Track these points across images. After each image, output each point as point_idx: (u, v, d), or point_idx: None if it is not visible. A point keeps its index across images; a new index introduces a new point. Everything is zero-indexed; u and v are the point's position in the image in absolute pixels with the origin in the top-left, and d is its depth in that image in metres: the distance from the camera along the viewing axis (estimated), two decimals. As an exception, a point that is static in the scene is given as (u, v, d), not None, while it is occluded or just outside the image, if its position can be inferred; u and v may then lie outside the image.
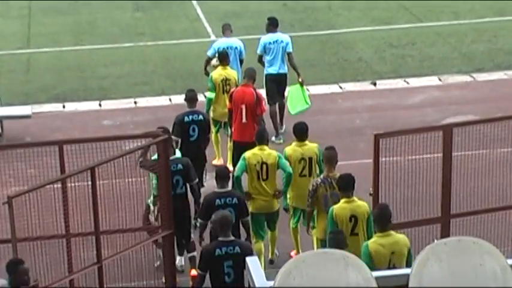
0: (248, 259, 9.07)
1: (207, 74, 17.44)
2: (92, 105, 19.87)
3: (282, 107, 18.01)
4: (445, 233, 12.64)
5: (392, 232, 11.23)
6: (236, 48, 17.93)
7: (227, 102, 16.12)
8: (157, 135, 13.11)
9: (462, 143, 13.57)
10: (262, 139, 13.67)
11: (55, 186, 12.20)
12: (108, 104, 19.87)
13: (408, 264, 10.80)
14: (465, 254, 8.28)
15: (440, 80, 20.62)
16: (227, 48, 17.70)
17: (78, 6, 26.35)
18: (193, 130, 15.26)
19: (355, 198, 12.22)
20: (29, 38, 23.76)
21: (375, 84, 20.43)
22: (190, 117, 15.20)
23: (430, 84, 20.37)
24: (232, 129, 15.97)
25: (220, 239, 11.34)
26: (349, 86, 20.35)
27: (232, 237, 11.40)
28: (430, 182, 13.45)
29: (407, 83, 20.57)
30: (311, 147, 13.77)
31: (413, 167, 13.33)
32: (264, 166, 13.49)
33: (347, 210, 12.07)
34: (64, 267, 12.00)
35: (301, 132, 13.78)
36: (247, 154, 13.63)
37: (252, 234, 13.38)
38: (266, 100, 17.35)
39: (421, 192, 13.59)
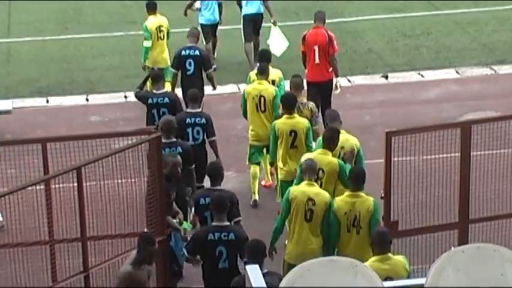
0: (248, 267, 9.04)
1: (185, 14, 21.36)
2: (78, 99, 19.94)
3: (257, 45, 20.70)
4: (463, 240, 12.66)
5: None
6: None
7: (163, 52, 18.91)
8: (150, 132, 13.14)
9: (482, 142, 13.60)
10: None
11: (38, 188, 12.21)
12: (96, 99, 19.94)
13: None
14: (485, 263, 8.28)
15: (458, 72, 20.67)
16: None
17: (63, -9, 26.45)
18: (190, 64, 17.26)
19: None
20: (9, 26, 23.79)
21: (386, 77, 20.49)
22: (188, 51, 17.35)
23: (447, 78, 20.43)
24: (306, 71, 17.56)
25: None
26: (359, 79, 20.40)
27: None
28: (447, 184, 13.47)
29: (422, 76, 20.63)
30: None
31: (429, 167, 13.35)
32: (262, 99, 15.56)
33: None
34: (47, 276, 12.03)
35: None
36: (248, 88, 15.75)
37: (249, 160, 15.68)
38: (243, 38, 20.96)
39: (436, 196, 13.61)
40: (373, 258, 11.12)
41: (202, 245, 11.98)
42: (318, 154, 13.25)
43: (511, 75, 20.43)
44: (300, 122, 14.59)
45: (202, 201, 12.93)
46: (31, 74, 21.15)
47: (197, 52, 17.43)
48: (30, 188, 12.03)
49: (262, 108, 15.59)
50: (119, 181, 12.93)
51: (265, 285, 8.23)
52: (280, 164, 14.65)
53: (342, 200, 12.44)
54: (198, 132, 15.17)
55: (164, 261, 12.77)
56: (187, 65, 17.36)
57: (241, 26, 21.05)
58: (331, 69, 17.50)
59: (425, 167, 13.32)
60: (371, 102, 19.21)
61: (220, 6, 21.24)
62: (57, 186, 12.38)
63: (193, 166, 14.36)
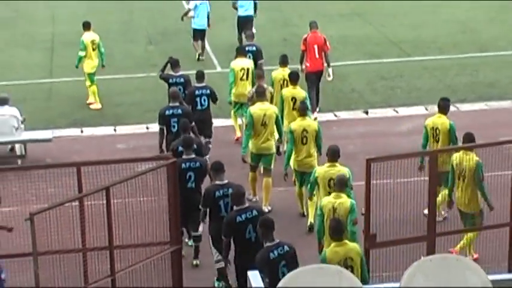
0: (250, 273, 9.00)
1: (182, 19, 24.37)
2: (107, 130, 19.90)
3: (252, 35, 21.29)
4: (431, 251, 12.59)
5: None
6: (206, 4, 24.04)
7: (94, 60, 20.84)
8: (167, 158, 13.11)
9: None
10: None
11: (73, 204, 12.18)
12: (122, 129, 19.89)
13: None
14: (449, 270, 8.25)
15: (426, 109, 20.60)
16: (201, 4, 23.95)
17: (96, 39, 26.46)
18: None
19: None
20: (51, 69, 23.80)
21: (366, 112, 20.45)
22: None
23: (418, 113, 20.35)
24: (307, 64, 19.67)
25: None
26: (343, 115, 20.36)
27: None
28: (417, 203, 13.42)
29: (397, 112, 20.59)
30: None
31: (402, 189, 13.29)
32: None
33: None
34: (80, 279, 11.98)
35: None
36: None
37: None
38: (237, 31, 24.17)
39: (408, 213, 13.57)
40: (333, 244, 11.16)
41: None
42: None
43: (470, 112, 20.42)
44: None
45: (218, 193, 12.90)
46: (68, 108, 21.14)
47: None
48: (67, 204, 12.01)
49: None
50: (141, 199, 12.90)
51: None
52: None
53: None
54: (204, 100, 16.97)
55: (178, 270, 12.74)
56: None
57: (235, 23, 24.47)
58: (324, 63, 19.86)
59: (400, 188, 13.27)
60: (354, 134, 19.17)
61: (208, 15, 23.98)
62: (89, 203, 12.33)
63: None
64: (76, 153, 18.07)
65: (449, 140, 14.80)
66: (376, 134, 18.98)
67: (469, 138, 13.78)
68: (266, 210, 15.08)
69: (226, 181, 12.98)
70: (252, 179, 15.85)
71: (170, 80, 17.57)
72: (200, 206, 13.14)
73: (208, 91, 17.03)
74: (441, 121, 14.89)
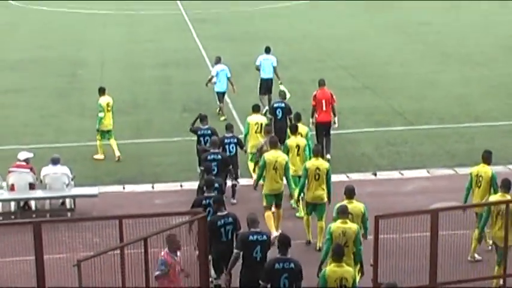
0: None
1: (206, 85, 25.17)
2: (146, 187, 19.88)
3: (270, 99, 24.34)
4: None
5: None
6: (225, 70, 24.77)
7: (108, 119, 21.31)
8: (198, 213, 13.09)
9: (446, 224, 13.47)
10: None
11: (115, 252, 12.15)
12: (159, 187, 19.88)
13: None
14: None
15: (428, 172, 20.54)
16: (221, 71, 24.70)
17: (138, 108, 26.65)
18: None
19: None
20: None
21: (375, 174, 20.37)
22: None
23: (421, 176, 20.28)
24: (316, 116, 20.62)
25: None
26: (354, 176, 20.26)
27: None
28: (420, 255, 13.30)
29: (402, 174, 20.50)
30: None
31: (407, 243, 13.22)
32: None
33: None
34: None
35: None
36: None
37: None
38: (258, 92, 25.02)
39: (412, 263, 13.44)
40: (333, 264, 11.84)
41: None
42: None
43: (467, 175, 20.21)
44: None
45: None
46: (112, 167, 21.18)
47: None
48: (110, 252, 11.98)
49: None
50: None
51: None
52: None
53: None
54: (232, 147, 17.97)
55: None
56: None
57: (258, 85, 25.14)
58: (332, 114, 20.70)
59: (405, 242, 13.19)
60: (363, 193, 18.90)
61: (229, 80, 24.71)
62: (129, 251, 12.31)
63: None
64: (118, 207, 18.05)
65: (489, 187, 15.06)
66: (383, 193, 18.87)
67: (507, 182, 14.15)
68: (277, 234, 15.40)
69: (225, 212, 13.60)
70: (268, 217, 16.21)
71: (199, 132, 18.56)
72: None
73: (235, 140, 18.16)
74: (484, 170, 15.19)
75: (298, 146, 17.34)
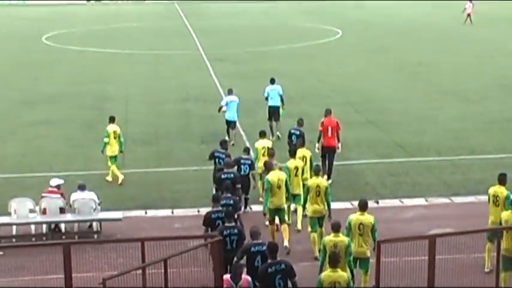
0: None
1: (219, 111, 25.51)
2: (166, 212, 19.91)
3: (277, 125, 25.46)
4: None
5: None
6: (235, 101, 25.33)
7: (114, 146, 21.69)
8: (213, 236, 13.09)
9: (443, 249, 13.43)
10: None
11: (137, 272, 12.16)
12: (178, 212, 19.89)
13: None
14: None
15: (426, 201, 20.49)
16: (231, 102, 25.25)
17: (160, 139, 26.74)
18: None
19: None
20: (123, 161, 23.98)
21: (377, 202, 20.33)
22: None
23: (419, 204, 20.23)
24: (322, 141, 21.12)
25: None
26: (358, 204, 20.22)
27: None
28: (419, 277, 13.25)
29: (402, 202, 20.45)
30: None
31: (407, 266, 13.16)
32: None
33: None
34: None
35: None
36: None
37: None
38: (267, 118, 25.55)
39: (411, 285, 13.38)
40: (329, 269, 12.26)
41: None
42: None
43: (463, 204, 20.25)
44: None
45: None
46: (136, 193, 21.24)
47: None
48: (132, 272, 12.00)
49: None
50: (192, 269, 12.87)
51: None
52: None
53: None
54: (246, 168, 18.76)
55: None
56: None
57: (266, 113, 25.77)
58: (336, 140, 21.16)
59: (405, 265, 13.14)
60: (366, 220, 19.00)
61: (237, 108, 25.13)
62: (150, 271, 12.32)
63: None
64: (141, 230, 18.09)
65: (505, 205, 15.40)
66: (385, 220, 18.80)
67: None
68: (286, 243, 16.51)
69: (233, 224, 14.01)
70: (272, 231, 16.90)
71: (215, 154, 19.33)
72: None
73: (250, 162, 18.94)
74: (501, 190, 15.66)
75: (296, 168, 17.97)
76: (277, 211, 16.90)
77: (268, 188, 16.78)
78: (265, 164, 17.78)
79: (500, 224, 14.43)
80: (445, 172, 22.78)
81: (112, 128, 22.06)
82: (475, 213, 18.82)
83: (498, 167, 23.02)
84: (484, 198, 20.40)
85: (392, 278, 12.89)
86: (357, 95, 33.15)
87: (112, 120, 22.29)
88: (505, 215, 14.44)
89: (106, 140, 21.87)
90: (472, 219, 18.19)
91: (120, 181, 21.77)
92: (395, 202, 20.44)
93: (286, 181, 16.97)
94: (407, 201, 20.44)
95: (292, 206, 18.08)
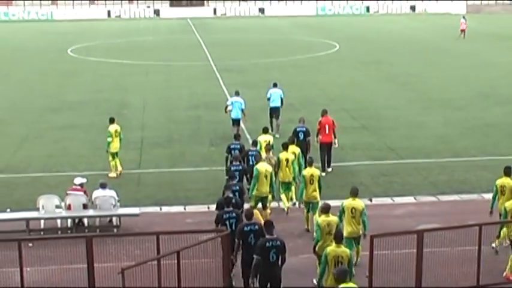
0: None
1: (225, 112, 25.97)
2: (179, 208, 19.90)
3: (277, 124, 25.99)
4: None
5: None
6: (240, 102, 25.61)
7: (116, 143, 22.02)
8: (222, 231, 13.11)
9: (430, 243, 13.43)
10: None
11: (153, 263, 12.19)
12: (190, 208, 19.89)
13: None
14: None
15: (415, 199, 20.47)
16: (235, 102, 25.58)
17: (173, 142, 26.76)
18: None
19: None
20: (140, 162, 24.06)
21: (371, 200, 20.31)
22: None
23: (409, 202, 20.21)
24: (320, 137, 21.93)
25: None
26: (353, 201, 20.19)
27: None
28: (408, 269, 13.24)
29: (393, 200, 20.44)
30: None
31: (397, 258, 13.15)
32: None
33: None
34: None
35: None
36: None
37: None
38: (269, 117, 26.24)
39: (401, 276, 13.38)
40: (333, 245, 12.55)
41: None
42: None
43: (448, 202, 20.24)
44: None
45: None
46: (151, 192, 21.26)
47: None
48: (148, 262, 12.02)
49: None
50: (202, 260, 12.88)
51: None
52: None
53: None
54: (254, 159, 18.88)
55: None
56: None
57: (268, 113, 26.46)
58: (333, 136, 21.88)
59: (395, 258, 13.13)
60: (361, 216, 18.99)
61: (242, 110, 25.42)
62: (164, 262, 12.34)
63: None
64: (156, 225, 18.09)
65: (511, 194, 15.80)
66: (377, 216, 18.79)
67: None
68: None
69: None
70: (256, 213, 16.95)
71: (231, 146, 19.88)
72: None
73: (256, 152, 19.25)
74: (507, 181, 16.05)
75: (287, 160, 18.71)
76: (262, 198, 17.60)
77: (256, 175, 17.43)
78: (255, 156, 18.61)
79: (501, 213, 14.83)
80: (432, 173, 22.76)
81: (113, 127, 22.32)
82: (459, 211, 18.86)
83: (481, 168, 23.05)
84: (467, 197, 20.54)
85: (384, 269, 12.89)
86: (352, 103, 33.14)
87: (112, 121, 22.56)
88: (509, 203, 14.60)
89: (109, 139, 22.12)
90: (456, 215, 18.22)
91: (118, 172, 22.11)
92: (387, 200, 20.43)
93: (271, 174, 17.57)
94: (398, 199, 20.43)
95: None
